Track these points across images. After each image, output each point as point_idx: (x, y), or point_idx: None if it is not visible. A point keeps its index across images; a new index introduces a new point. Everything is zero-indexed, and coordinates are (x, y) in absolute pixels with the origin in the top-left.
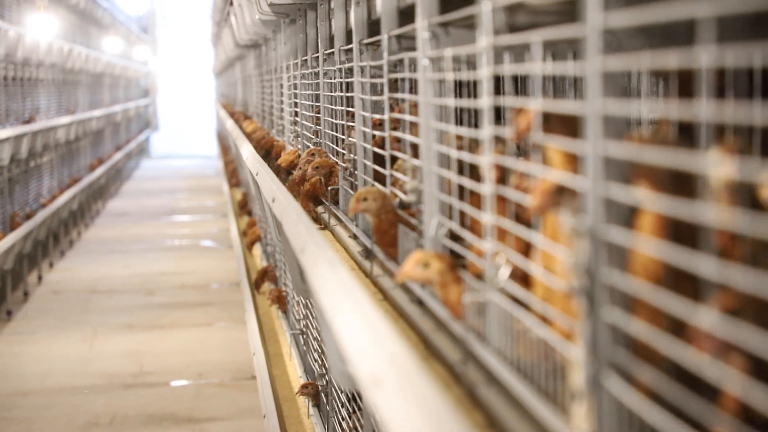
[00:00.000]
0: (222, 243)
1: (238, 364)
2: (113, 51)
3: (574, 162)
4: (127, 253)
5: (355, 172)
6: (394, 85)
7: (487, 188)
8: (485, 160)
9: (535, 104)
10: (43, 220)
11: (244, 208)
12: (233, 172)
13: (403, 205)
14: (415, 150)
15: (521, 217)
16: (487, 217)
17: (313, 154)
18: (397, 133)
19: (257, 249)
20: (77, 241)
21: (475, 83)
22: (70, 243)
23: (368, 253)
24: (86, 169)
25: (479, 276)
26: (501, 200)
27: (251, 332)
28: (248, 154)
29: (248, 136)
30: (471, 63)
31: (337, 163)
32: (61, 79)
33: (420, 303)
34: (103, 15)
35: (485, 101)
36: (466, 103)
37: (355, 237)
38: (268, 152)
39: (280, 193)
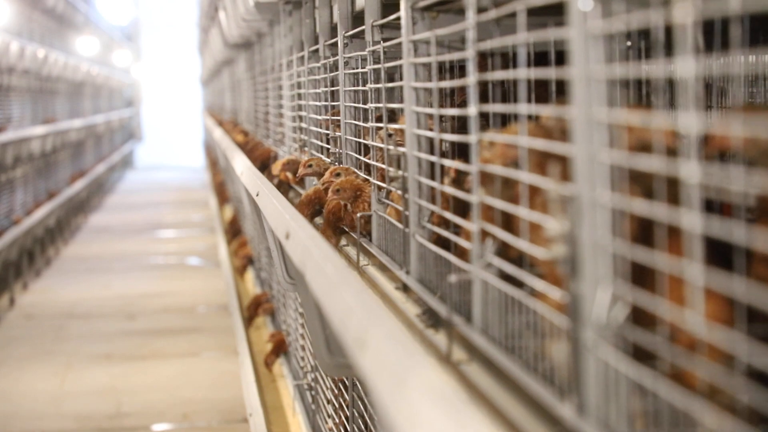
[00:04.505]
0: (209, 261)
1: (228, 402)
2: (95, 59)
3: None
4: (108, 272)
5: (406, 196)
6: (483, 62)
7: None
8: None
9: None
10: (14, 239)
11: (234, 225)
12: (221, 186)
13: (536, 267)
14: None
15: None
16: None
17: (338, 174)
18: (515, 136)
19: (249, 272)
20: (55, 259)
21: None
22: (46, 261)
23: (437, 321)
24: (66, 182)
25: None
26: None
27: (246, 383)
28: (243, 168)
29: (240, 147)
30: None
31: (367, 180)
32: (37, 87)
33: None
34: (83, 21)
35: None
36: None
37: (405, 288)
38: (264, 165)
39: (300, 229)
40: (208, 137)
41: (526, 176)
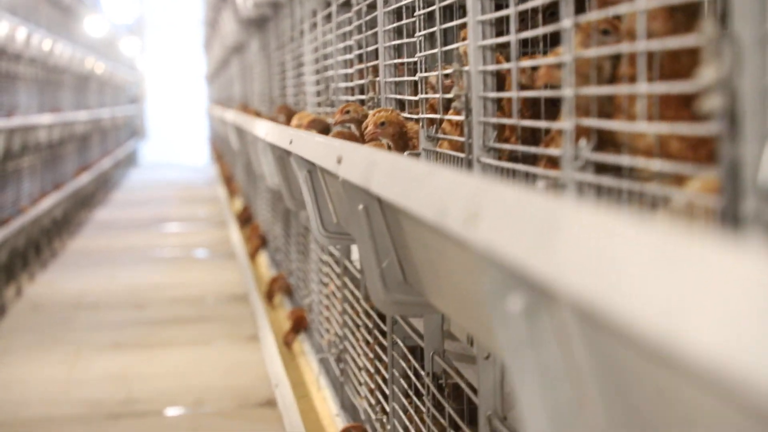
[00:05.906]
0: (217, 253)
1: (241, 389)
2: (100, 51)
3: None
4: (115, 265)
5: (469, 118)
6: None
7: None
8: None
9: None
10: (21, 227)
11: (245, 213)
12: (229, 180)
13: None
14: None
15: None
16: None
17: (383, 124)
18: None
19: (261, 258)
20: (61, 251)
21: None
22: (53, 254)
23: None
24: (71, 175)
25: None
26: None
27: (270, 357)
28: (267, 128)
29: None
30: None
31: (410, 119)
32: (44, 77)
33: None
34: (89, 14)
35: None
36: None
37: None
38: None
39: (353, 150)
40: (214, 129)
41: (656, 44)
